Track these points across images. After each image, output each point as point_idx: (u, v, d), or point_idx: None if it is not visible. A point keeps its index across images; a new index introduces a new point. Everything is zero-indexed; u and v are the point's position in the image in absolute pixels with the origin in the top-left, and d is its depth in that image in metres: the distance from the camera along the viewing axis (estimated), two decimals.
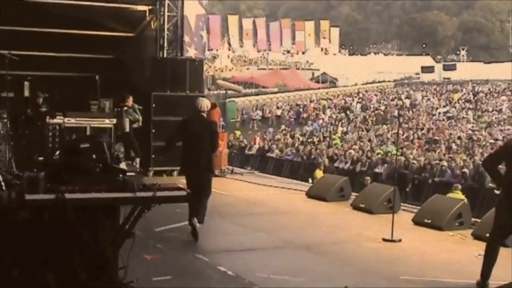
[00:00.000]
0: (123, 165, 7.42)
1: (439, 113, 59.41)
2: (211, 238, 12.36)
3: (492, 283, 9.14)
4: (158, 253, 10.69)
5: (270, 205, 16.53)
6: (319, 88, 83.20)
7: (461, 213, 13.96)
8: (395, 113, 54.94)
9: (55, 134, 17.73)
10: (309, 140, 41.87)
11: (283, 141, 41.13)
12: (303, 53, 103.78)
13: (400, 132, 39.62)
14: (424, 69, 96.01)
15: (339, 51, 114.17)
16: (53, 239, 6.62)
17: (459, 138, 41.58)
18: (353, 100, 69.01)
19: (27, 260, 6.60)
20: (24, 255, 6.59)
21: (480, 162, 24.67)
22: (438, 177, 27.18)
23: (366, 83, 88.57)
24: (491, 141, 38.79)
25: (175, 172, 19.44)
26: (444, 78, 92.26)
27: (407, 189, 27.32)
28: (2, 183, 6.63)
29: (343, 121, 56.50)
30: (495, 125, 50.60)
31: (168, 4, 21.95)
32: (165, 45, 22.14)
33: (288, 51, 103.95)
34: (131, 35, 22.40)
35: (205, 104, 12.51)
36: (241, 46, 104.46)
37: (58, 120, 17.94)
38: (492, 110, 59.49)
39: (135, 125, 19.35)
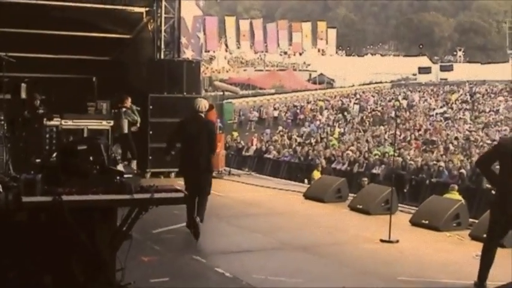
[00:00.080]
0: (120, 167, 7.40)
1: (436, 113, 59.47)
2: (209, 240, 12.36)
3: (490, 283, 9.15)
4: (156, 255, 10.69)
5: (267, 206, 16.53)
6: (316, 89, 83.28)
7: (458, 214, 13.97)
8: (393, 114, 55.02)
9: (52, 136, 17.77)
10: (306, 141, 41.88)
11: (280, 143, 41.12)
12: (300, 54, 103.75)
13: (398, 133, 39.63)
14: (421, 70, 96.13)
15: (336, 52, 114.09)
16: (50, 241, 6.61)
17: (456, 139, 41.62)
18: (350, 101, 69.05)
19: (24, 262, 6.60)
20: (21, 257, 6.58)
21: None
22: (435, 178, 27.20)
23: (363, 84, 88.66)
24: (488, 141, 38.83)
25: (173, 174, 19.46)
26: (441, 79, 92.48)
27: (405, 190, 27.32)
28: None
29: (340, 122, 56.53)
30: (492, 126, 50.65)
31: (165, 6, 21.96)
32: (162, 46, 22.17)
33: (285, 53, 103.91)
34: (128, 36, 22.39)
35: (203, 104, 12.59)
36: (238, 47, 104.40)
37: (55, 122, 17.99)
38: (489, 111, 59.57)
39: (133, 128, 19.35)
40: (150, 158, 19.97)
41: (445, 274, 10.20)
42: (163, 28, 22.05)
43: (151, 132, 20.03)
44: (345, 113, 61.42)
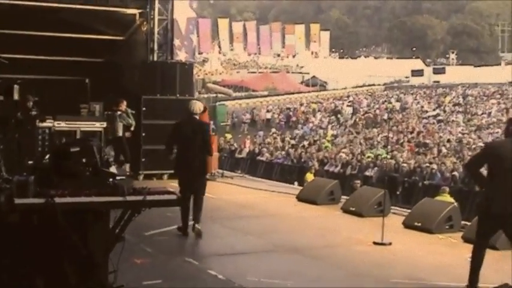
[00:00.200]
0: (113, 169, 7.40)
1: (429, 116, 59.56)
2: (202, 242, 12.35)
3: (482, 286, 9.15)
4: (148, 257, 10.68)
5: (260, 208, 16.52)
6: (309, 91, 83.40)
7: (451, 216, 13.98)
8: (386, 117, 55.07)
9: (45, 138, 17.73)
10: (299, 144, 41.89)
11: (273, 145, 41.15)
12: (293, 56, 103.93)
13: (390, 135, 39.69)
14: (414, 73, 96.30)
15: (329, 55, 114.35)
16: (42, 243, 6.60)
17: (449, 141, 41.72)
18: (343, 103, 69.11)
19: (16, 264, 6.58)
20: (13, 259, 6.57)
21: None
22: (428, 180, 27.26)
23: (356, 87, 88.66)
24: (481, 144, 38.85)
25: (166, 176, 19.45)
26: (434, 82, 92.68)
27: (398, 193, 27.37)
28: None
29: (333, 124, 56.59)
30: (484, 129, 50.75)
31: (159, 7, 21.93)
32: (155, 48, 22.12)
33: (278, 55, 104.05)
34: (121, 38, 22.37)
35: (197, 106, 12.76)
36: (232, 49, 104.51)
37: (48, 123, 17.94)
38: (482, 114, 59.71)
39: (127, 134, 19.32)
40: (143, 160, 19.95)
41: (438, 276, 10.21)
42: (156, 30, 22.02)
43: (144, 134, 19.99)
44: (338, 116, 61.47)
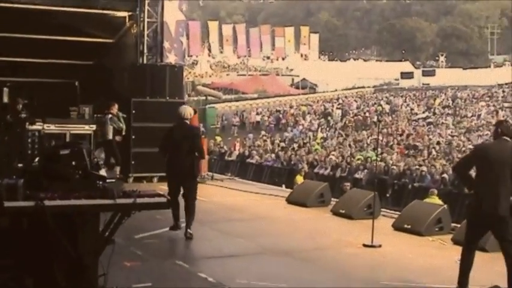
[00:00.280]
0: (103, 172, 7.39)
1: (419, 118, 59.67)
2: (191, 245, 12.35)
3: None
4: (138, 260, 10.66)
5: (250, 211, 16.52)
6: (299, 94, 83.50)
7: (440, 219, 14.01)
8: (375, 119, 55.12)
9: (34, 141, 17.70)
10: (289, 146, 41.87)
11: (263, 147, 41.10)
12: (283, 59, 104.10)
13: (380, 137, 39.70)
14: (403, 75, 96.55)
15: (319, 57, 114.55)
16: (32, 246, 6.59)
17: (438, 143, 41.75)
18: (333, 106, 69.12)
19: (6, 266, 6.56)
20: (3, 261, 6.55)
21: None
22: (418, 183, 27.25)
23: (346, 89, 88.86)
24: (470, 146, 38.91)
25: (156, 178, 19.45)
26: (423, 84, 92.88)
27: (387, 195, 27.37)
28: None
29: (323, 127, 56.61)
30: (474, 131, 50.83)
31: (148, 10, 21.90)
32: (145, 51, 22.09)
33: (268, 57, 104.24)
34: (111, 41, 22.35)
35: (188, 111, 12.94)
36: (221, 52, 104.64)
37: (38, 126, 17.92)
38: (471, 116, 59.84)
39: (118, 138, 19.28)
40: (133, 162, 19.91)
41: (428, 278, 10.23)
42: (146, 32, 21.99)
43: (134, 136, 19.95)
44: (328, 118, 61.51)
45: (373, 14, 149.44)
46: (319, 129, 54.77)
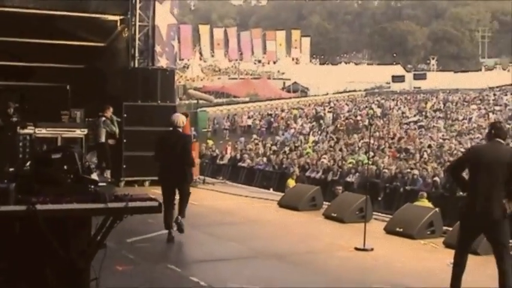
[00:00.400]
0: (94, 176, 7.37)
1: (410, 122, 59.71)
2: (184, 248, 12.36)
3: None
4: (130, 264, 10.66)
5: (241, 215, 16.51)
6: (290, 97, 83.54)
7: (432, 222, 14.03)
8: (367, 122, 55.15)
9: (26, 144, 17.67)
10: (281, 150, 41.86)
11: (254, 151, 41.08)
12: (274, 62, 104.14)
13: (372, 141, 39.70)
14: (394, 79, 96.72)
15: (310, 61, 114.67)
16: (24, 250, 6.57)
17: (430, 147, 41.76)
18: (324, 109, 69.10)
19: None
20: None
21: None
22: (410, 186, 27.27)
23: (337, 93, 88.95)
24: (462, 149, 38.95)
25: (147, 182, 19.42)
26: (415, 88, 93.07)
27: (379, 198, 27.36)
28: None
29: (314, 130, 56.60)
30: (465, 134, 50.87)
31: (140, 14, 21.89)
32: (137, 55, 22.07)
33: (259, 61, 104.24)
34: (102, 44, 22.33)
35: (181, 119, 13.14)
36: (213, 56, 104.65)
37: (29, 130, 17.88)
38: (462, 119, 59.92)
39: (110, 141, 19.26)
40: (124, 166, 19.88)
41: (420, 282, 10.25)
42: (137, 36, 21.97)
43: (125, 140, 19.92)
44: (320, 121, 61.51)
45: (365, 17, 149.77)
46: (311, 133, 54.72)
